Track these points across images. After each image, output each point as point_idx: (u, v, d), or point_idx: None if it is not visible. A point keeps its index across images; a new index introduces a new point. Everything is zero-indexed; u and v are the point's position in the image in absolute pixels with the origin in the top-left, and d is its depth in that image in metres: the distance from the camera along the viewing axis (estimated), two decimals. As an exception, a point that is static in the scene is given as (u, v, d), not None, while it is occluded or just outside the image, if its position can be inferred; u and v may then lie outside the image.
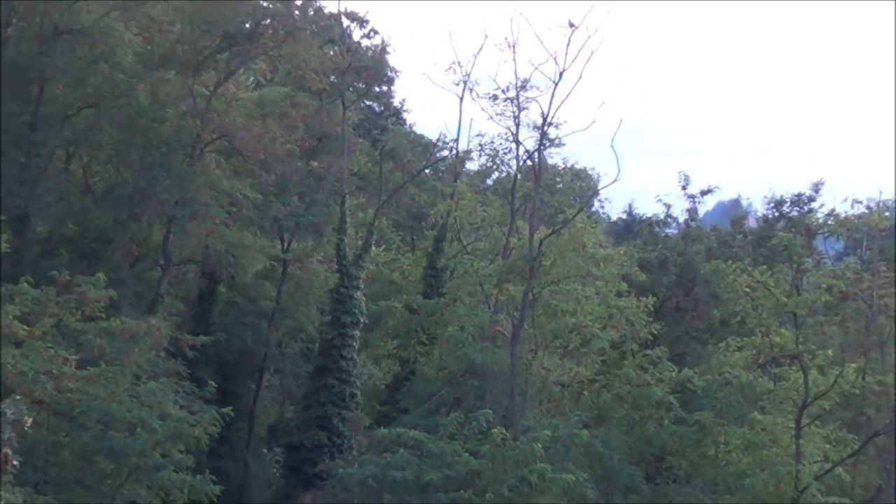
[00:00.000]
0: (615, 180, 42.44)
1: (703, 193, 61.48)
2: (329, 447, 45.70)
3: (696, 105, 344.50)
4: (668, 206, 62.61)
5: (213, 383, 37.43)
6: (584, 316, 44.18)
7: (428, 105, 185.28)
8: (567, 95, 41.70)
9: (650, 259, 54.68)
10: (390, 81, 69.76)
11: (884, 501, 40.63)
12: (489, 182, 57.06)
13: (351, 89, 55.86)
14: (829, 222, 48.54)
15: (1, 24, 44.34)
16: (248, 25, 45.20)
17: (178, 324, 41.06)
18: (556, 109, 41.87)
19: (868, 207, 46.26)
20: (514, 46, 42.07)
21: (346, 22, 59.15)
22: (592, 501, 35.36)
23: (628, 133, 42.17)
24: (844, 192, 65.47)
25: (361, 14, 60.63)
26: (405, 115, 73.40)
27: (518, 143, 45.07)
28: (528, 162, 45.47)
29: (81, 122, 44.81)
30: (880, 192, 46.78)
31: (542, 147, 44.28)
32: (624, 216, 74.87)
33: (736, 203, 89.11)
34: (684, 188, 60.84)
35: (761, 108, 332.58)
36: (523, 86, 42.96)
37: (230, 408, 35.15)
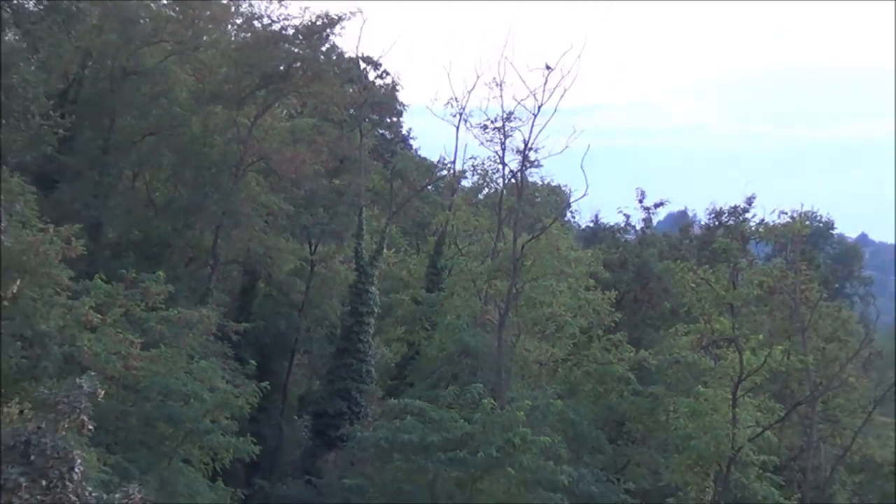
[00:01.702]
0: (584, 195, 42.65)
1: (657, 206, 61.59)
2: (349, 415, 45.49)
3: (656, 129, 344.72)
4: (628, 217, 62.72)
5: (253, 362, 37.32)
6: (558, 306, 44.19)
7: (430, 133, 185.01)
8: (544, 125, 41.90)
9: (613, 260, 54.68)
10: (399, 114, 69.38)
11: (805, 459, 40.80)
12: (480, 196, 56.88)
13: (367, 120, 55.72)
14: (760, 230, 48.58)
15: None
16: (281, 68, 45.14)
17: (224, 313, 40.87)
18: (536, 137, 42.08)
19: (792, 217, 46.37)
20: (500, 85, 42.21)
21: (362, 65, 58.97)
22: (565, 459, 35.29)
23: (596, 153, 41.98)
24: (773, 205, 65.28)
25: (375, 58, 60.55)
26: (411, 142, 72.99)
27: (504, 164, 45.26)
28: (513, 180, 45.53)
29: (145, 148, 44.80)
30: (801, 205, 46.80)
31: (523, 168, 44.36)
32: (591, 224, 74.79)
33: (683, 214, 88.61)
34: (641, 201, 60.88)
35: (705, 132, 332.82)
36: (508, 117, 42.99)
37: (267, 382, 35.35)
